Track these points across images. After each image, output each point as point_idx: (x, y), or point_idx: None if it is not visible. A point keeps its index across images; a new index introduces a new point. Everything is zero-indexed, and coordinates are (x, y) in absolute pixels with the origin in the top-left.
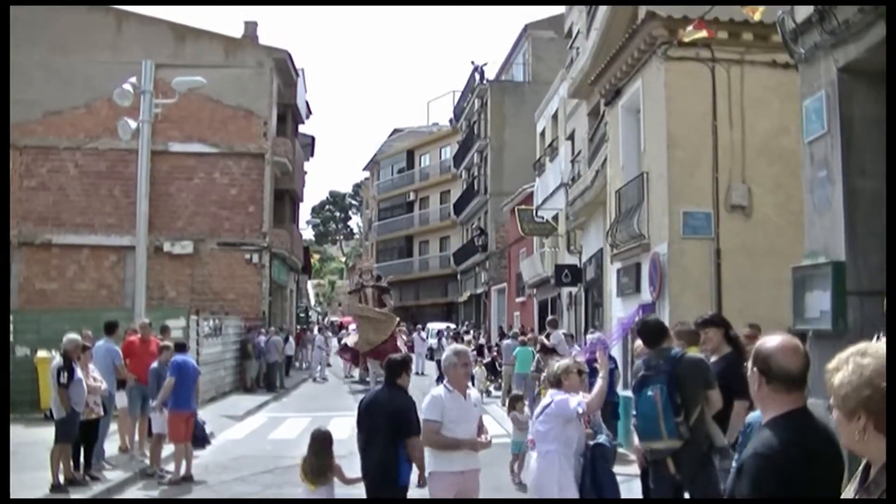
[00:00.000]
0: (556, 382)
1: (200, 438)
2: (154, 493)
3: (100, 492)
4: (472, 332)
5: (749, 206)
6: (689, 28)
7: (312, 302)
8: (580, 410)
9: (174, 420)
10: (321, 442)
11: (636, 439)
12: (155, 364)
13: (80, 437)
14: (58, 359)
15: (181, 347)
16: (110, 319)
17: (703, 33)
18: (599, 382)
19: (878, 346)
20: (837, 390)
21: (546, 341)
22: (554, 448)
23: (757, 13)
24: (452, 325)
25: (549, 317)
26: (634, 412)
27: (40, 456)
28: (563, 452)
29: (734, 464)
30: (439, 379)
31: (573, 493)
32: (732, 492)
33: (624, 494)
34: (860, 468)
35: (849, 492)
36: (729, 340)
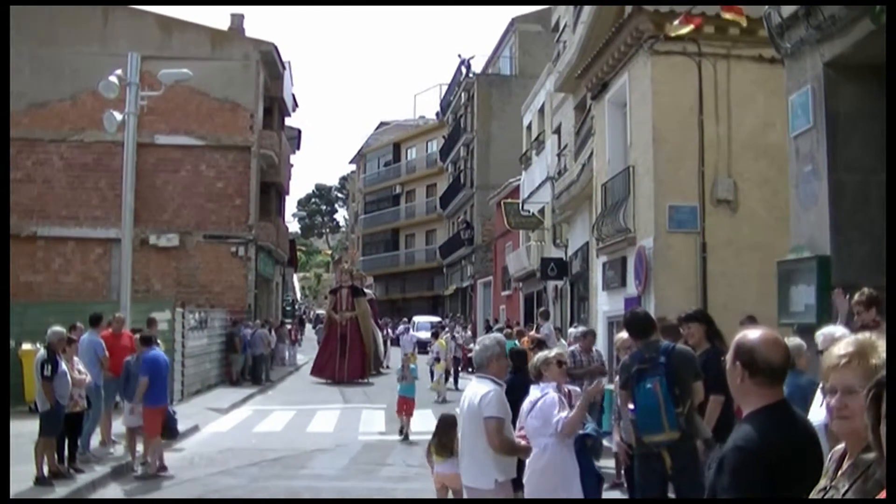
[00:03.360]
0: (537, 375)
1: (172, 430)
2: (135, 486)
3: (84, 485)
4: (457, 326)
5: (735, 201)
6: (676, 23)
7: (298, 296)
8: (558, 428)
9: (152, 415)
10: (447, 424)
11: (617, 436)
12: (130, 357)
13: (64, 429)
14: (42, 351)
15: (147, 341)
16: (96, 312)
17: (689, 27)
18: (578, 407)
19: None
20: (870, 374)
21: (537, 334)
22: (552, 440)
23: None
24: (437, 319)
25: (541, 308)
26: (632, 406)
27: (25, 449)
28: (563, 442)
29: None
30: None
31: (577, 486)
32: (714, 486)
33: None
34: (829, 461)
35: (822, 484)
36: (710, 336)
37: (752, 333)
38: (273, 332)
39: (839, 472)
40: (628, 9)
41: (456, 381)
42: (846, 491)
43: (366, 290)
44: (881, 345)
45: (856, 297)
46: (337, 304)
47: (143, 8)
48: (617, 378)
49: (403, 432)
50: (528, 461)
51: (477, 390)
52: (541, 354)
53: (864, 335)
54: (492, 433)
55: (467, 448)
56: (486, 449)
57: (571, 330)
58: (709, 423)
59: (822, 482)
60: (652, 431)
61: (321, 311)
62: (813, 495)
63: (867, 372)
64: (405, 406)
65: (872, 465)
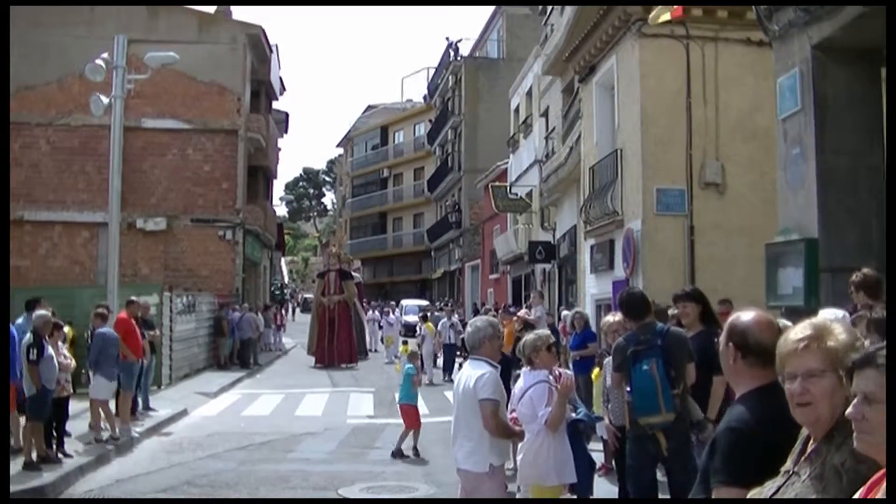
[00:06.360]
0: (529, 362)
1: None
2: (128, 472)
3: (72, 469)
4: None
5: (723, 184)
6: (657, 9)
7: (286, 279)
8: (543, 422)
9: None
10: None
11: (606, 419)
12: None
13: (51, 414)
14: (28, 336)
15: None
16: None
17: (668, 15)
18: (556, 404)
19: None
20: (842, 354)
21: (528, 316)
22: (545, 426)
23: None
24: (425, 302)
25: (537, 289)
26: (628, 388)
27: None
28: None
29: None
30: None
31: (570, 470)
32: (706, 467)
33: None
34: (799, 442)
35: (787, 465)
36: (703, 316)
37: (745, 315)
38: (260, 316)
39: (802, 457)
40: None
41: (449, 370)
42: (805, 478)
43: (354, 274)
44: (837, 328)
45: (853, 276)
46: (325, 287)
47: None
48: (605, 361)
49: (413, 447)
50: (521, 445)
51: (471, 373)
52: (528, 340)
53: (819, 319)
54: (487, 416)
55: (462, 430)
56: (481, 432)
57: (565, 313)
58: (714, 405)
59: (788, 464)
60: (648, 413)
61: (309, 295)
62: (777, 479)
63: (826, 355)
64: (414, 417)
65: (832, 450)
